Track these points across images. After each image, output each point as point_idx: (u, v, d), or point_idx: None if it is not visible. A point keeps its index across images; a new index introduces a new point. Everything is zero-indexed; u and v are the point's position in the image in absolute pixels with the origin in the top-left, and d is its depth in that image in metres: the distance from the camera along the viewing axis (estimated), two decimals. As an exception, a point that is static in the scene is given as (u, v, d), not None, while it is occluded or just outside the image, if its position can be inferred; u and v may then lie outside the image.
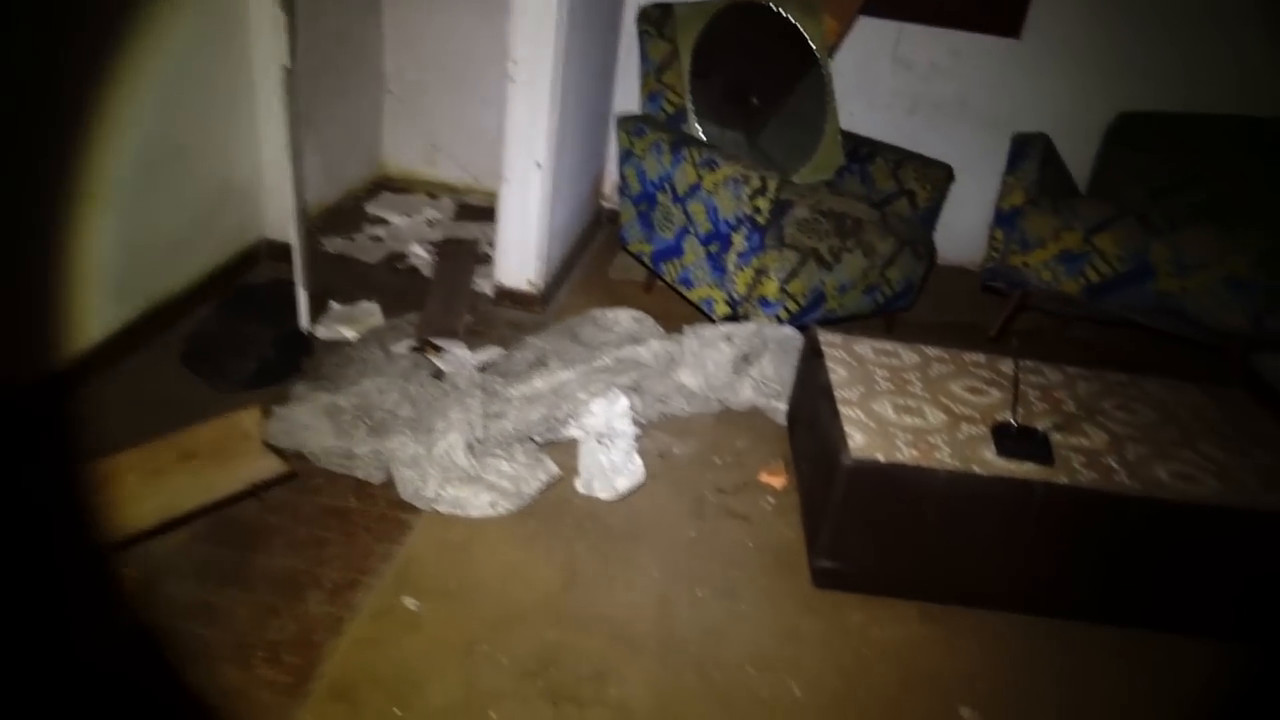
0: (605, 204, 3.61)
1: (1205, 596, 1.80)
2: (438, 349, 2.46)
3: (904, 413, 1.89)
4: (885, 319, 2.91)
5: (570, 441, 2.18)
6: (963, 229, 3.42)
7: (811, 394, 2.05)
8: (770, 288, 2.51)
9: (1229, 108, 3.13)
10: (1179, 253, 2.34)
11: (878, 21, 3.23)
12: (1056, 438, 1.84)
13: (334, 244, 3.14)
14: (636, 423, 2.20)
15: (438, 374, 2.32)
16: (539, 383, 2.27)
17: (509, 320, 2.81)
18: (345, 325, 2.56)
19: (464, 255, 3.14)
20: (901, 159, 2.85)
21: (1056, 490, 1.69)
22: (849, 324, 2.85)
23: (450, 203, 3.60)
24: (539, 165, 2.66)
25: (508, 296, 2.89)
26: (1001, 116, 3.32)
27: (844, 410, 1.86)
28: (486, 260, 3.09)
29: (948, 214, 3.25)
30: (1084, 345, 3.19)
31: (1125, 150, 2.99)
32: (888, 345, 2.20)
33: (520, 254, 2.84)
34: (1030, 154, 2.58)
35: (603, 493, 2.03)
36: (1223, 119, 2.94)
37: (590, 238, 3.45)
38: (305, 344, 2.43)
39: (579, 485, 2.06)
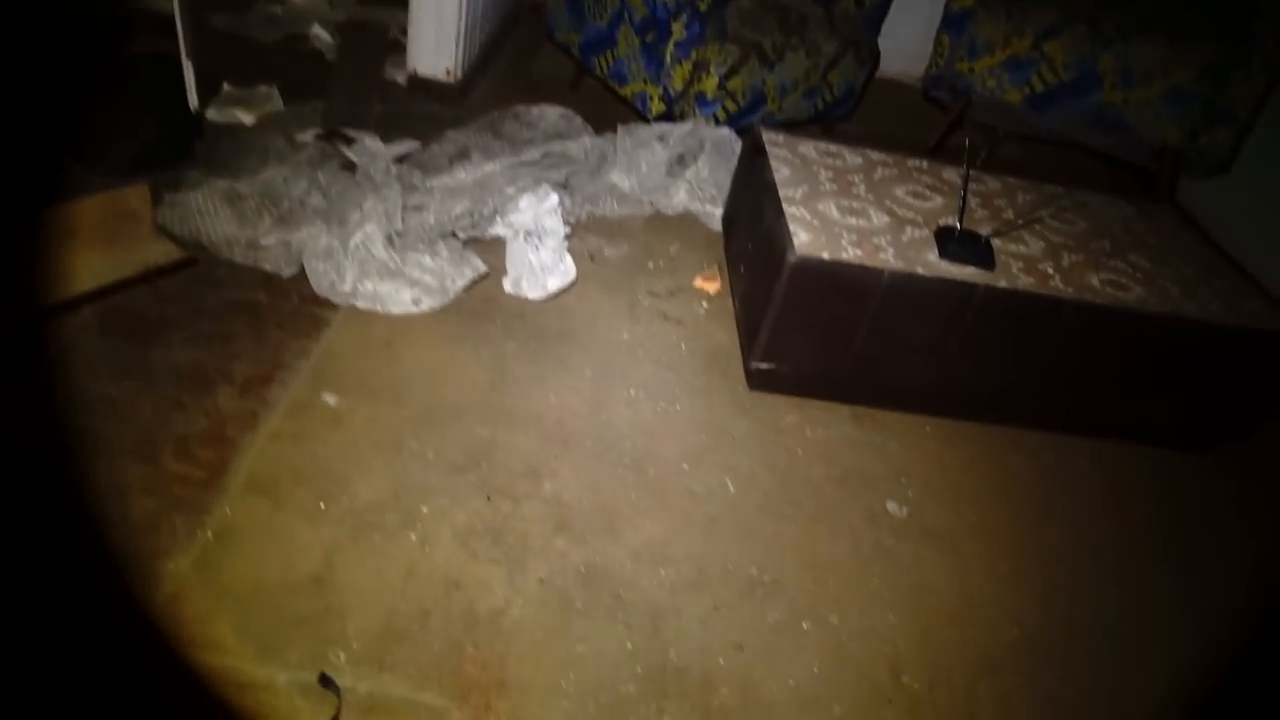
0: (528, -9, 3.30)
1: (1128, 401, 1.86)
2: (348, 139, 2.24)
3: (848, 214, 1.83)
4: (823, 127, 2.80)
5: (496, 239, 2.06)
6: (904, 38, 3.27)
7: (754, 193, 1.96)
8: (709, 84, 2.35)
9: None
10: (1126, 62, 2.28)
11: None
12: (997, 243, 1.82)
13: (222, 20, 2.79)
14: (566, 222, 2.08)
15: (348, 166, 2.13)
16: (462, 175, 2.10)
17: (425, 113, 2.58)
18: (240, 109, 2.31)
19: (372, 39, 2.84)
20: (851, -49, 2.65)
21: (995, 293, 1.68)
22: (788, 129, 2.73)
23: (354, -20, 3.23)
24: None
25: (423, 87, 2.65)
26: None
27: (788, 209, 1.78)
28: (398, 47, 2.81)
29: (888, 22, 3.09)
30: (1014, 164, 3.17)
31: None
32: (832, 147, 2.11)
33: (437, 40, 2.58)
34: (986, -50, 2.42)
35: (532, 292, 1.94)
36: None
37: (512, 29, 3.17)
38: (195, 126, 2.18)
39: (507, 284, 1.95)
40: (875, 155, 2.11)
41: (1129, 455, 1.91)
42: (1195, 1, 2.60)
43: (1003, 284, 1.71)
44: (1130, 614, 1.56)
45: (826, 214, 1.81)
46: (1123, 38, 2.28)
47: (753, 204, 1.95)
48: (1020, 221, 1.92)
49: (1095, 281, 1.81)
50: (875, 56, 2.62)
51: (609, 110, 2.67)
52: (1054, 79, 2.36)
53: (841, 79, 2.56)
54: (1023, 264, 1.80)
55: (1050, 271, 1.80)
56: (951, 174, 2.10)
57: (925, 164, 2.13)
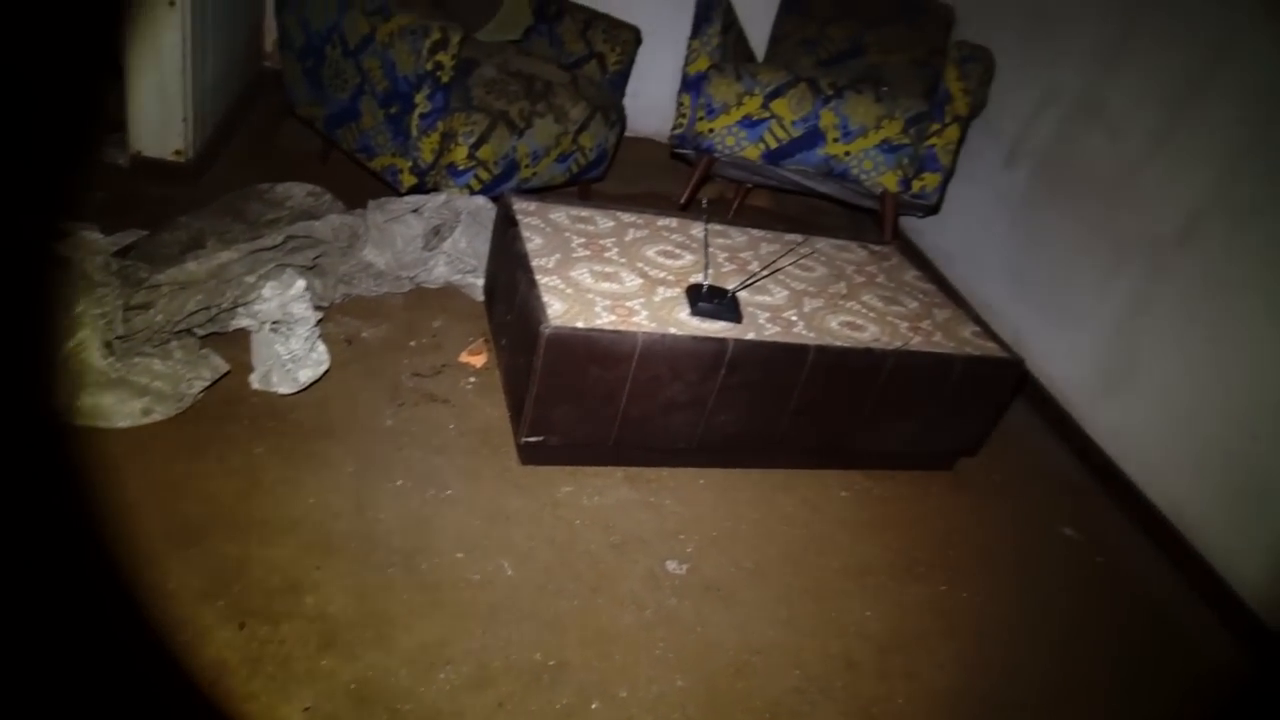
0: (269, 64, 3.16)
1: (876, 431, 2.00)
2: (59, 233, 2.02)
3: (601, 279, 1.86)
4: (580, 188, 2.85)
5: (241, 332, 1.92)
6: (651, 99, 3.43)
7: (508, 264, 1.95)
8: (459, 154, 2.34)
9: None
10: (844, 118, 2.49)
11: None
12: (744, 296, 1.92)
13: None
14: (318, 307, 1.98)
15: (58, 262, 1.91)
16: (194, 265, 1.95)
17: (154, 198, 2.39)
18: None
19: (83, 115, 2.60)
20: (590, 19, 2.74)
21: (744, 346, 1.77)
22: (544, 194, 2.77)
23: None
24: (171, 3, 2.23)
25: (149, 169, 2.45)
26: (684, -20, 3.31)
27: (541, 279, 1.79)
28: (118, 125, 2.58)
29: (636, 84, 3.22)
30: (762, 211, 3.39)
31: (798, 19, 3.11)
32: (583, 211, 2.15)
33: (162, 117, 2.40)
34: (713, 17, 2.58)
35: (283, 387, 1.82)
36: (877, -7, 3.16)
37: (252, 101, 3.02)
38: None
39: (254, 380, 1.82)
40: (626, 217, 2.17)
41: (883, 481, 2.06)
42: (895, 63, 2.91)
43: (751, 336, 1.79)
44: (901, 635, 1.66)
45: (580, 281, 1.83)
46: (838, 95, 2.49)
47: (508, 275, 1.94)
48: (764, 273, 2.03)
49: (834, 324, 1.94)
50: (623, 118, 2.71)
51: (361, 183, 2.59)
52: (785, 135, 2.54)
53: (592, 141, 2.62)
54: (769, 314, 1.90)
55: (794, 319, 1.92)
56: (700, 230, 2.19)
57: (675, 222, 2.21)
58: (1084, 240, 2.47)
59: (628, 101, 3.23)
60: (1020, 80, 2.81)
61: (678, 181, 3.08)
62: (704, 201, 1.94)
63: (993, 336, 2.08)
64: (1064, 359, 2.50)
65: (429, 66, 2.19)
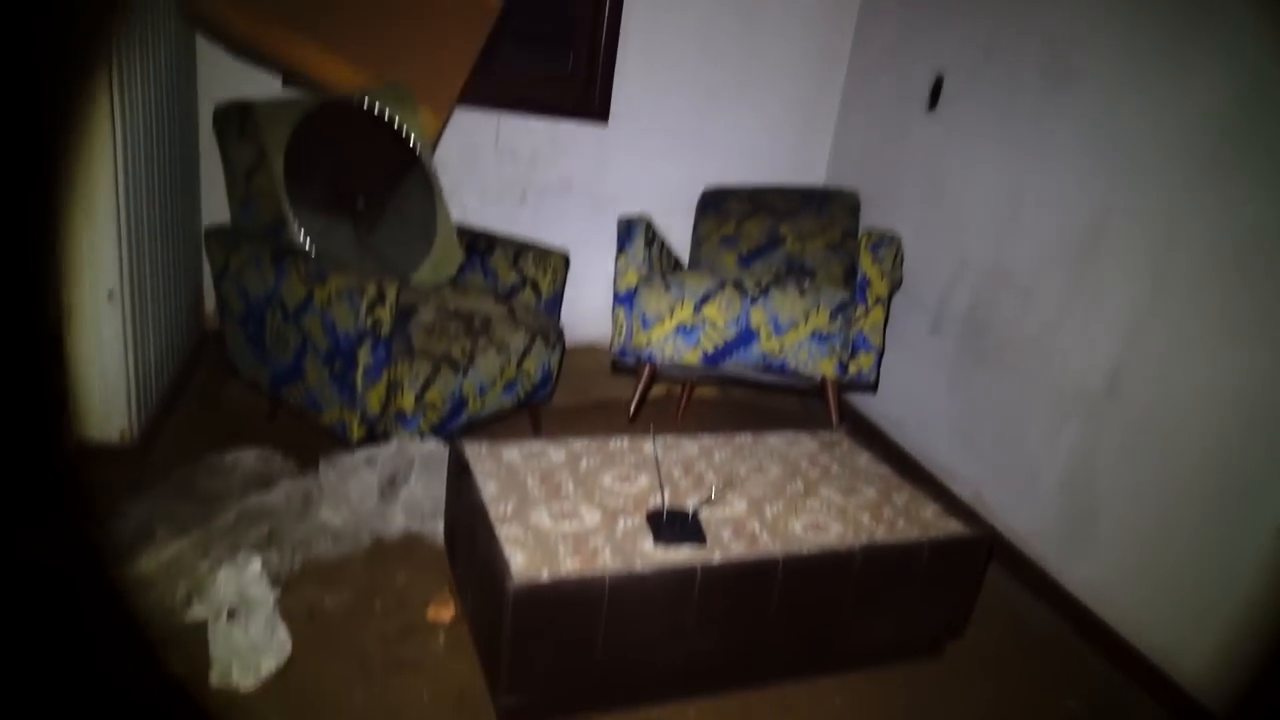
0: (210, 326, 3.22)
1: (858, 630, 1.96)
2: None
3: (561, 518, 1.86)
4: (530, 411, 2.89)
5: (195, 625, 1.85)
6: (589, 306, 3.55)
7: (466, 514, 1.94)
8: (406, 400, 2.37)
9: (787, 178, 3.62)
10: (773, 315, 2.60)
11: (476, 114, 3.26)
12: (704, 513, 1.92)
13: None
14: (275, 583, 1.93)
15: None
16: (145, 563, 1.90)
17: (99, 483, 2.35)
18: None
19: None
20: (520, 249, 2.87)
21: (712, 569, 1.75)
22: (494, 424, 2.80)
23: None
24: (111, 295, 2.29)
25: (93, 453, 2.43)
26: (607, 194, 3.52)
27: (500, 529, 1.78)
28: (59, 409, 2.58)
29: (573, 293, 3.35)
30: (712, 404, 3.46)
31: (715, 220, 3.30)
32: (535, 446, 2.17)
33: (104, 400, 2.41)
34: (635, 235, 2.73)
35: (245, 680, 1.74)
36: (785, 189, 3.38)
37: (196, 365, 3.05)
38: None
39: (214, 679, 1.74)
40: (577, 444, 2.20)
41: (875, 679, 2.01)
42: (812, 250, 3.08)
43: (717, 557, 1.78)
44: None
45: (539, 525, 1.82)
46: (764, 294, 2.61)
47: (467, 525, 1.93)
48: (720, 486, 2.05)
49: (798, 528, 1.95)
50: (562, 339, 2.79)
51: (311, 439, 2.59)
52: (720, 337, 2.63)
53: (536, 366, 2.68)
54: (731, 528, 1.90)
55: (757, 530, 1.92)
56: (652, 449, 2.22)
57: (625, 442, 2.24)
58: (1022, 398, 2.56)
59: (566, 310, 3.34)
60: (932, 252, 2.99)
61: (624, 385, 3.15)
62: (651, 427, 1.98)
63: (956, 510, 2.10)
64: (1028, 514, 2.53)
65: (369, 323, 2.25)
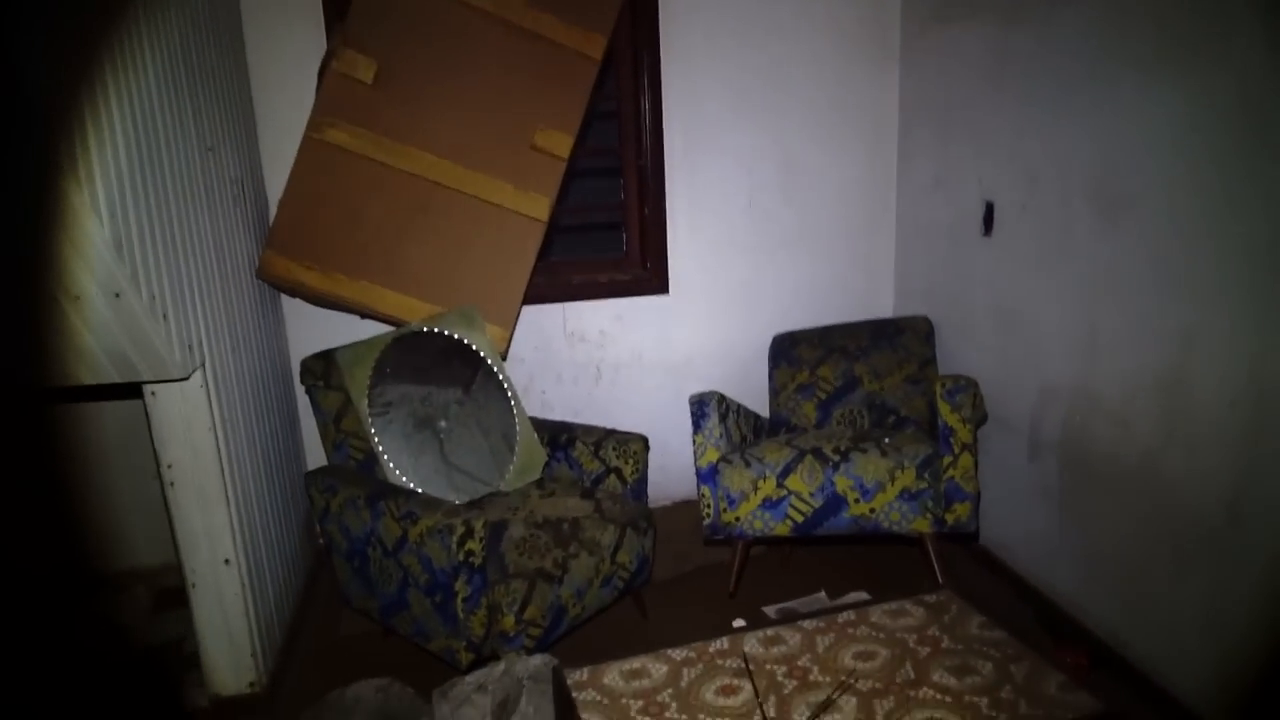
0: (323, 542, 3.39)
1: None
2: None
3: (668, 753, 1.84)
4: (633, 596, 2.90)
5: None
6: (677, 465, 3.58)
7: (574, 756, 1.94)
8: (508, 622, 2.42)
9: (856, 313, 3.62)
10: (857, 479, 2.56)
11: (541, 306, 3.40)
12: (812, 726, 1.87)
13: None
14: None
15: None
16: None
17: (233, 737, 2.47)
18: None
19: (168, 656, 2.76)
20: (600, 439, 2.94)
21: (828, 799, 1.70)
22: (598, 618, 2.81)
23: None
24: (229, 561, 2.45)
25: (228, 706, 2.56)
26: (678, 359, 3.58)
27: (609, 776, 1.77)
28: (195, 662, 2.74)
29: (662, 458, 3.40)
30: (816, 553, 3.38)
31: (789, 368, 3.31)
32: (635, 664, 2.17)
33: (231, 654, 2.54)
34: (709, 412, 2.76)
35: None
36: (854, 326, 3.37)
37: (312, 592, 3.20)
38: None
39: None
40: (678, 654, 2.19)
41: None
42: (891, 385, 3.04)
43: (831, 784, 1.73)
44: None
45: (647, 766, 1.81)
46: (845, 459, 2.58)
47: (577, 767, 1.93)
48: (829, 697, 1.99)
49: (912, 730, 1.87)
50: (653, 524, 2.81)
51: (425, 661, 2.66)
52: (807, 507, 2.61)
53: (631, 555, 2.70)
54: (843, 741, 1.85)
55: (870, 738, 1.85)
56: (754, 644, 2.19)
57: (726, 643, 2.22)
58: (1137, 529, 2.42)
59: (656, 475, 3.38)
60: (1014, 377, 2.90)
61: (723, 546, 3.13)
62: (743, 658, 1.95)
63: (1079, 680, 1.98)
64: (1174, 658, 2.34)
65: (461, 557, 2.33)
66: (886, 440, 2.62)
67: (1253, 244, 2.00)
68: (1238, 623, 2.13)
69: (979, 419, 2.61)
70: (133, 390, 2.31)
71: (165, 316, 2.06)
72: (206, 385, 2.31)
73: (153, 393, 2.27)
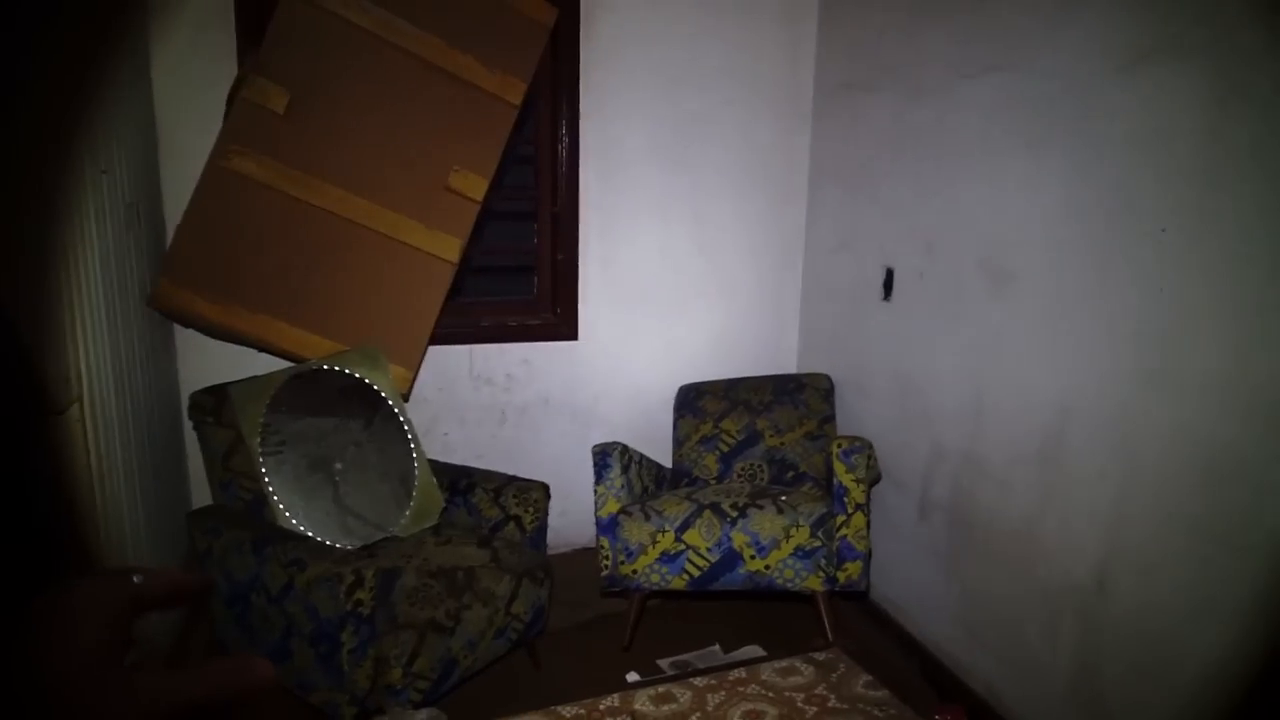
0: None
1: None
2: None
3: (551, 817, 1.81)
4: (527, 647, 2.86)
5: None
6: (579, 511, 3.56)
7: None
8: (395, 675, 2.35)
9: (762, 366, 3.69)
10: (753, 535, 2.60)
11: (448, 347, 3.36)
12: (698, 789, 1.87)
13: None
14: None
15: None
16: None
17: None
18: None
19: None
20: (501, 485, 2.90)
21: None
22: (491, 669, 2.76)
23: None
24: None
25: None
26: (585, 403, 3.58)
27: (489, 843, 1.73)
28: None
29: (564, 503, 3.37)
30: (712, 606, 3.40)
31: (693, 420, 3.35)
32: (524, 722, 2.13)
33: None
34: (611, 463, 2.76)
35: None
36: (758, 380, 3.44)
37: (186, 639, 3.04)
38: None
39: None
40: (567, 711, 2.17)
41: None
42: (788, 439, 3.10)
43: None
44: None
45: (529, 831, 1.77)
46: (742, 515, 2.62)
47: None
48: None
49: (796, 792, 1.89)
50: (549, 573, 2.79)
51: (304, 716, 2.56)
52: (704, 562, 2.63)
53: (526, 606, 2.67)
54: (727, 804, 1.85)
55: (754, 801, 1.86)
56: (644, 702, 2.18)
57: (616, 700, 2.21)
58: (1015, 590, 2.52)
59: (557, 521, 3.35)
60: (907, 437, 3.01)
61: (620, 597, 3.11)
62: (631, 715, 1.96)
63: (957, 746, 2.04)
64: (1045, 715, 2.44)
65: (349, 607, 2.26)
66: (783, 498, 2.68)
67: (1122, 321, 2.14)
68: (1103, 688, 2.23)
69: (873, 479, 2.69)
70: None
71: (39, 346, 1.96)
72: (83, 419, 2.19)
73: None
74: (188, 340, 3.09)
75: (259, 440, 2.62)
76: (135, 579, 0.44)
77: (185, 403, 2.88)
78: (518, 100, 2.95)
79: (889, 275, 3.08)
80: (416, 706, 2.41)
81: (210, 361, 3.06)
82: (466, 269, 3.23)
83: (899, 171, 3.02)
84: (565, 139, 3.36)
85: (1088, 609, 2.27)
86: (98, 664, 0.40)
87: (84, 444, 2.18)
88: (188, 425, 2.94)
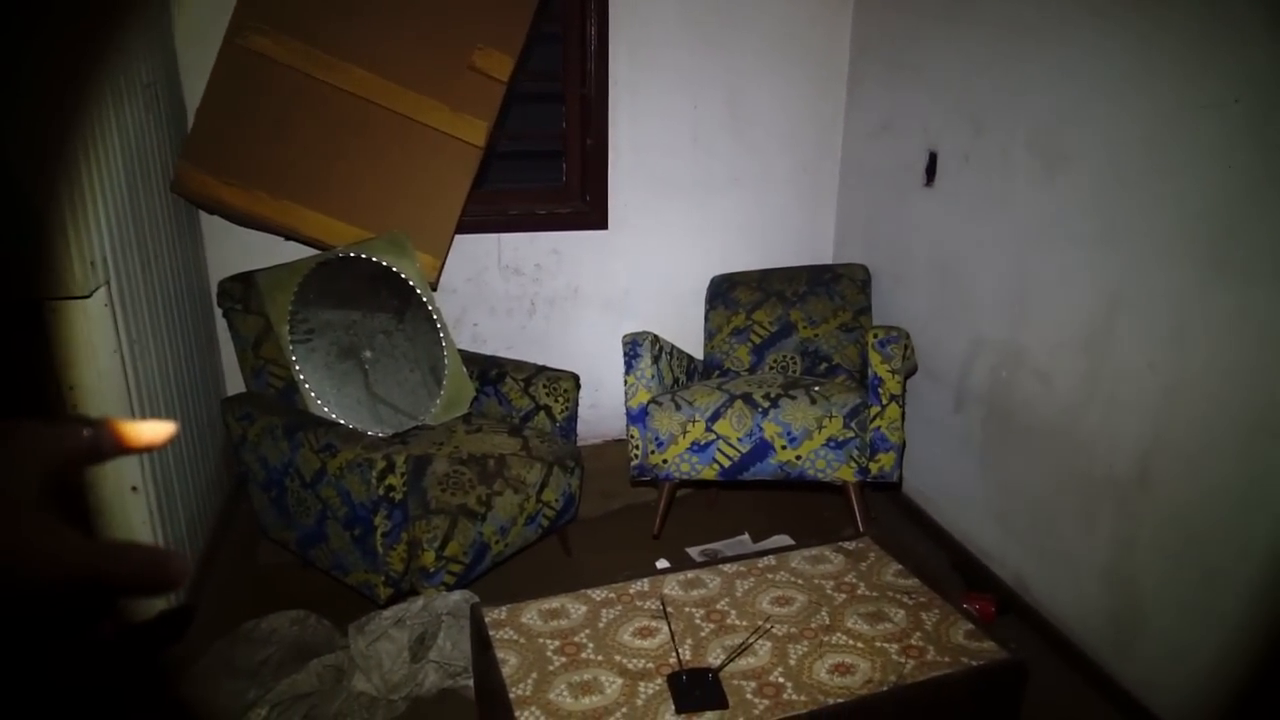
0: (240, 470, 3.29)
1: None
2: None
3: (581, 692, 1.85)
4: (558, 536, 2.89)
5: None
6: (611, 403, 3.56)
7: (489, 694, 1.94)
8: (428, 558, 2.39)
9: (796, 257, 3.59)
10: (785, 426, 2.57)
11: (476, 236, 3.30)
12: (727, 669, 1.89)
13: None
14: (310, 776, 1.95)
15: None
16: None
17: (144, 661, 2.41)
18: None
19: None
20: (531, 375, 2.89)
21: (736, 740, 1.72)
22: (522, 556, 2.80)
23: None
24: (135, 489, 2.35)
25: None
26: (615, 295, 3.53)
27: (521, 715, 1.77)
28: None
29: (594, 395, 3.37)
30: (743, 496, 3.41)
31: (725, 311, 3.29)
32: (554, 603, 2.16)
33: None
34: (641, 353, 2.73)
35: None
36: (792, 271, 3.35)
37: (230, 518, 3.12)
38: None
39: None
40: (597, 594, 2.19)
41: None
42: (828, 334, 3.04)
43: (740, 724, 1.76)
44: None
45: (559, 704, 1.81)
46: (774, 405, 2.58)
47: (489, 703, 1.93)
48: (745, 641, 2.01)
49: (823, 674, 1.91)
50: (579, 461, 2.79)
51: (343, 594, 2.63)
52: (734, 452, 2.61)
53: (557, 494, 2.69)
54: (755, 684, 1.87)
55: (781, 681, 1.88)
56: (673, 587, 2.20)
57: (646, 585, 2.22)
58: (1051, 483, 2.48)
59: (587, 413, 3.35)
60: (946, 328, 2.93)
61: (650, 487, 3.13)
62: (662, 602, 1.96)
63: (986, 631, 2.04)
64: (1072, 601, 2.44)
65: (381, 492, 2.28)
66: (816, 388, 2.63)
67: (1184, 207, 2.01)
68: (1136, 576, 2.21)
69: (909, 370, 2.63)
70: (31, 308, 2.17)
71: (64, 229, 1.93)
72: (111, 304, 2.19)
73: (51, 310, 2.14)
74: (215, 228, 3.06)
75: (288, 328, 2.61)
76: (85, 432, 0.41)
77: (215, 290, 2.86)
78: (543, -28, 2.79)
79: (932, 159, 2.93)
80: (449, 589, 2.46)
81: (237, 250, 3.04)
82: (493, 154, 3.13)
83: (948, 47, 2.83)
84: (594, 16, 3.19)
85: (1127, 501, 2.22)
86: (20, 502, 0.38)
87: (113, 328, 2.18)
88: (218, 313, 2.94)
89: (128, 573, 0.40)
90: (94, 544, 0.40)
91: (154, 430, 0.45)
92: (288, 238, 2.90)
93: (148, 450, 0.46)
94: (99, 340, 2.16)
